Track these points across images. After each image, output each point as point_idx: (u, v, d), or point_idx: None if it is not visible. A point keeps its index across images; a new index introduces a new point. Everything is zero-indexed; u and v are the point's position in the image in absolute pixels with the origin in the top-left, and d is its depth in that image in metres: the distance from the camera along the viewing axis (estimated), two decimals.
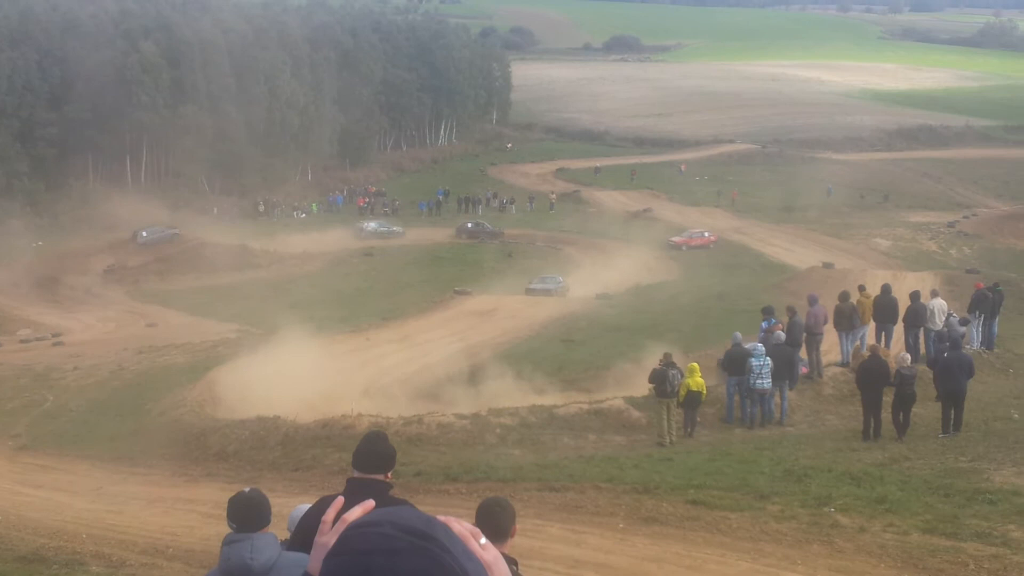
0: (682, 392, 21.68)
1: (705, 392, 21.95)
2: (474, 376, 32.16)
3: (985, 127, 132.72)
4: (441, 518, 1.78)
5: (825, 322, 26.18)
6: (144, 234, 68.88)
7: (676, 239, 68.92)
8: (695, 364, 21.93)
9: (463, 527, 1.81)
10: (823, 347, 26.03)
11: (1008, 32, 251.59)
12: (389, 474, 5.78)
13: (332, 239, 71.53)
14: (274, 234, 73.73)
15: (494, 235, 72.78)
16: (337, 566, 1.66)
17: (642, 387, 25.03)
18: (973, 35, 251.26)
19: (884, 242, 67.52)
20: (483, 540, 1.83)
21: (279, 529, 5.99)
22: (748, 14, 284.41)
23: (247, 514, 5.47)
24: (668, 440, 21.24)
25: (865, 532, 13.29)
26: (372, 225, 76.84)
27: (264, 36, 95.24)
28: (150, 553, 16.08)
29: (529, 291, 50.76)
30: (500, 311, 43.77)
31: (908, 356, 22.22)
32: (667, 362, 21.88)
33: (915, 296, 27.03)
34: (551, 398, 26.28)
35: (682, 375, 21.83)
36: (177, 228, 71.49)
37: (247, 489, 5.75)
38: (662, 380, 21.55)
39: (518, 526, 5.40)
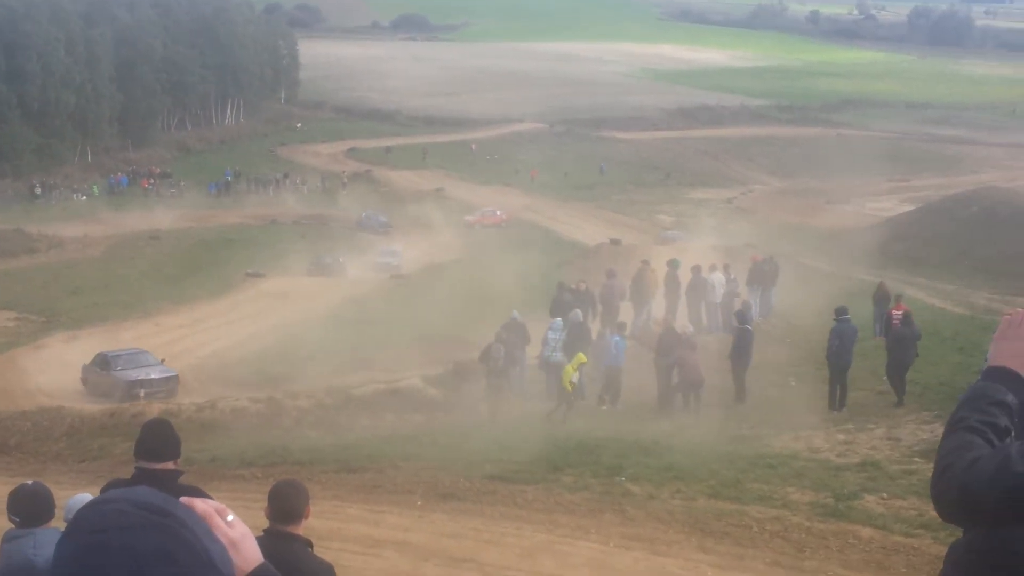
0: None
1: (570, 388, 20.88)
2: (267, 358, 31.76)
3: (759, 106, 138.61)
4: (184, 499, 1.74)
5: (622, 296, 27.00)
6: None
7: (469, 218, 69.44)
8: (581, 355, 21.15)
9: (207, 505, 1.78)
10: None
11: (779, 14, 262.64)
12: (177, 461, 5.67)
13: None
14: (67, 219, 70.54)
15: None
16: (72, 547, 1.61)
17: (437, 366, 25.25)
18: (745, 16, 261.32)
19: (667, 218, 69.73)
20: (230, 517, 1.81)
21: (61, 522, 5.81)
22: None
23: (30, 508, 5.31)
24: (493, 416, 21.48)
25: (654, 499, 13.80)
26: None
27: (35, 10, 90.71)
28: None
29: (377, 265, 52.46)
30: (294, 293, 43.25)
31: (691, 326, 23.21)
32: (499, 338, 22.10)
33: (696, 270, 28.21)
34: (347, 379, 26.17)
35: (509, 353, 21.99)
36: None
37: (30, 482, 5.58)
38: (487, 358, 21.81)
39: (315, 508, 5.40)
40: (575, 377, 20.67)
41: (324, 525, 12.59)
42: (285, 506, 5.21)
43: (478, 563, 12.21)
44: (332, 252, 54.30)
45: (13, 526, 5.34)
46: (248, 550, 1.82)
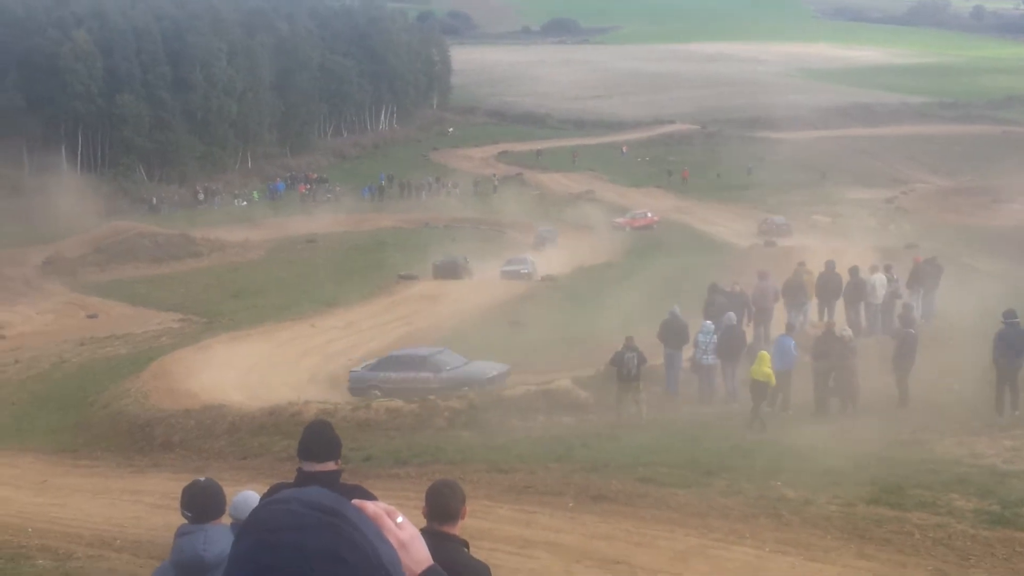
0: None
1: (773, 382, 20.17)
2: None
3: (920, 104, 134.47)
4: (356, 501, 1.76)
5: (775, 298, 26.50)
6: None
7: (619, 220, 69.10)
8: (764, 353, 20.40)
9: (377, 507, 1.80)
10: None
11: (941, 10, 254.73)
12: (338, 461, 5.73)
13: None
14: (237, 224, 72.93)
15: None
16: (246, 545, 1.64)
17: (589, 367, 25.17)
18: (905, 13, 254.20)
19: (824, 219, 68.22)
20: (400, 519, 1.82)
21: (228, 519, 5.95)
22: None
23: (202, 504, 5.43)
24: (623, 420, 21.27)
25: (811, 504, 13.47)
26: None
27: (198, 21, 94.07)
28: (97, 545, 15.93)
29: (503, 273, 49.30)
30: (446, 296, 43.70)
31: (849, 331, 22.59)
32: (628, 345, 21.79)
33: (854, 271, 27.46)
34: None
35: (641, 360, 21.67)
36: None
37: (203, 479, 5.71)
38: (619, 363, 21.60)
39: (468, 508, 5.40)
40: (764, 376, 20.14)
41: (476, 525, 12.66)
42: (442, 506, 5.22)
43: (630, 565, 12.13)
44: (456, 255, 52.54)
45: (185, 521, 5.47)
46: (417, 551, 1.84)
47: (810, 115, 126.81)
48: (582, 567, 12.25)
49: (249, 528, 1.66)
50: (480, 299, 42.19)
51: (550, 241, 59.40)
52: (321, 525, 1.62)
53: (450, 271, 49.86)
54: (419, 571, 1.83)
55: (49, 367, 35.52)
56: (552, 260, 52.93)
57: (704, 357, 23.27)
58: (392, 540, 1.76)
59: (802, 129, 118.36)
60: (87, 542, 16.11)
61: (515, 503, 15.16)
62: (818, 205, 73.93)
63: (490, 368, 28.19)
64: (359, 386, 28.22)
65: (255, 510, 1.69)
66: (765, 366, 19.95)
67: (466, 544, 5.20)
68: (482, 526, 13.12)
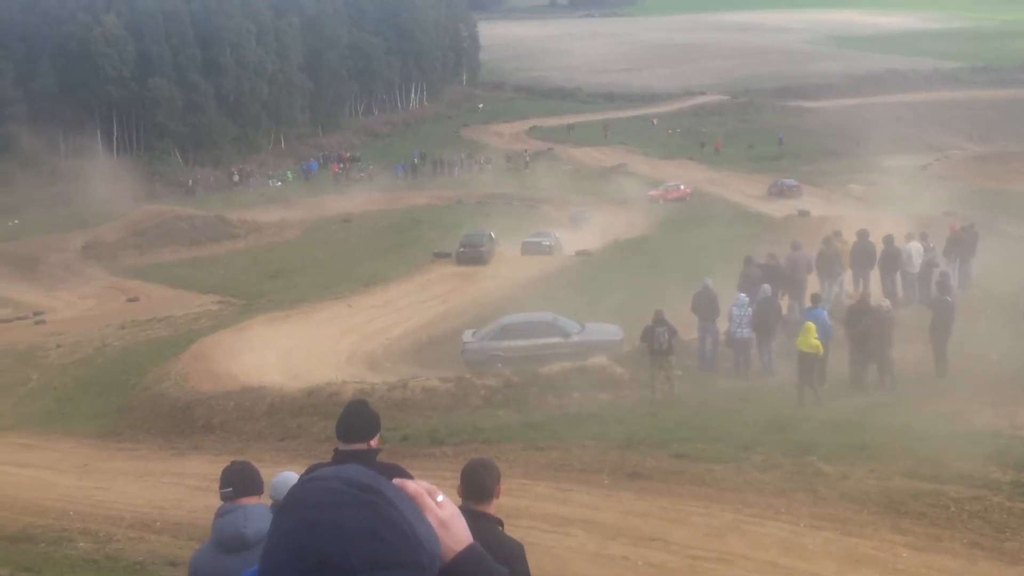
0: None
1: (821, 352, 19.78)
2: (456, 338, 32.26)
3: (952, 69, 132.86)
4: (396, 480, 1.79)
5: (809, 269, 26.34)
6: None
7: (653, 193, 68.88)
8: (811, 324, 19.85)
9: (418, 485, 1.82)
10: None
11: None
12: (376, 441, 5.80)
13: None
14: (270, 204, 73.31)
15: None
16: (285, 522, 1.67)
17: (624, 343, 25.21)
18: None
19: (858, 187, 67.69)
20: (440, 497, 1.84)
21: (267, 498, 6.06)
22: None
23: (242, 482, 5.55)
24: (656, 396, 21.26)
25: (847, 479, 13.46)
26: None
27: (227, 4, 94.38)
28: (138, 527, 16.15)
29: (524, 246, 48.58)
30: (480, 273, 43.72)
31: (887, 301, 22.46)
32: (658, 320, 21.66)
33: (889, 240, 27.22)
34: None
35: (671, 333, 21.66)
36: None
37: (239, 460, 5.84)
38: (650, 338, 21.52)
39: (504, 486, 5.46)
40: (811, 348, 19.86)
41: (513, 503, 12.78)
42: (477, 485, 5.27)
43: (665, 542, 12.19)
44: (479, 235, 48.54)
45: (225, 501, 5.59)
46: (458, 530, 1.86)
47: (842, 83, 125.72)
48: (618, 544, 12.32)
49: (288, 506, 1.69)
50: (514, 275, 42.20)
51: (584, 221, 58.52)
52: (359, 503, 1.65)
53: (473, 257, 45.47)
54: (459, 550, 1.85)
55: (91, 351, 35.92)
56: (586, 235, 52.87)
57: (739, 331, 23.22)
58: (432, 519, 1.79)
59: (835, 97, 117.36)
60: (128, 524, 16.34)
61: (551, 481, 15.24)
62: (852, 174, 73.35)
63: (612, 330, 27.97)
64: (478, 358, 27.61)
65: (294, 488, 1.73)
66: (812, 337, 19.55)
67: (501, 523, 5.26)
68: (519, 504, 13.22)
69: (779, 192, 67.66)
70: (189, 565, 5.73)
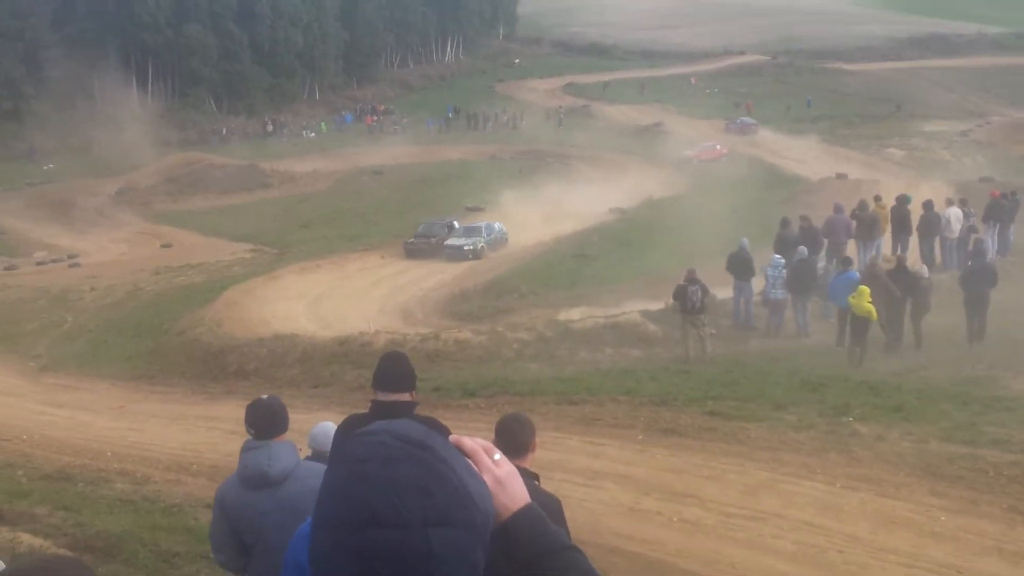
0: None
1: (875, 317, 19.33)
2: (490, 292, 32.28)
3: (998, 34, 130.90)
4: (453, 437, 1.79)
5: (848, 233, 26.11)
6: None
7: (689, 152, 68.39)
8: (865, 287, 19.39)
9: (475, 442, 1.82)
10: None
11: None
12: (413, 393, 5.77)
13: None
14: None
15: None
16: (337, 476, 1.67)
17: (657, 301, 25.11)
18: None
19: (898, 152, 67.03)
20: (497, 455, 1.84)
21: (298, 442, 6.03)
22: None
23: (266, 421, 5.53)
24: (689, 355, 21.16)
25: (883, 441, 13.38)
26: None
27: None
28: (174, 470, 16.26)
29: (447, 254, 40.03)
30: (514, 226, 43.60)
31: (924, 267, 22.26)
32: (690, 278, 21.48)
33: (928, 205, 26.98)
34: (567, 313, 26.33)
35: (704, 292, 21.47)
36: None
37: (265, 396, 5.81)
38: (683, 296, 21.39)
39: (538, 440, 5.43)
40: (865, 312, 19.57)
41: (547, 456, 12.75)
42: (512, 440, 5.23)
43: (699, 498, 12.15)
44: (435, 224, 43.22)
45: (250, 437, 5.57)
46: (515, 489, 1.85)
47: (884, 46, 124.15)
48: (651, 499, 12.29)
49: (339, 460, 1.69)
50: (545, 232, 42.12)
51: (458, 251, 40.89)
52: (411, 458, 1.65)
53: (423, 249, 40.65)
54: (515, 508, 1.84)
55: (124, 295, 36.16)
56: (622, 193, 52.58)
57: (773, 291, 23.11)
58: (488, 477, 1.79)
59: (876, 60, 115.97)
60: (164, 466, 16.46)
61: (584, 435, 15.22)
62: (892, 138, 72.63)
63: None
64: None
65: (347, 442, 1.72)
66: (866, 300, 19.22)
67: (537, 477, 5.23)
68: (552, 457, 13.20)
69: (739, 130, 77.42)
70: (215, 495, 5.75)
